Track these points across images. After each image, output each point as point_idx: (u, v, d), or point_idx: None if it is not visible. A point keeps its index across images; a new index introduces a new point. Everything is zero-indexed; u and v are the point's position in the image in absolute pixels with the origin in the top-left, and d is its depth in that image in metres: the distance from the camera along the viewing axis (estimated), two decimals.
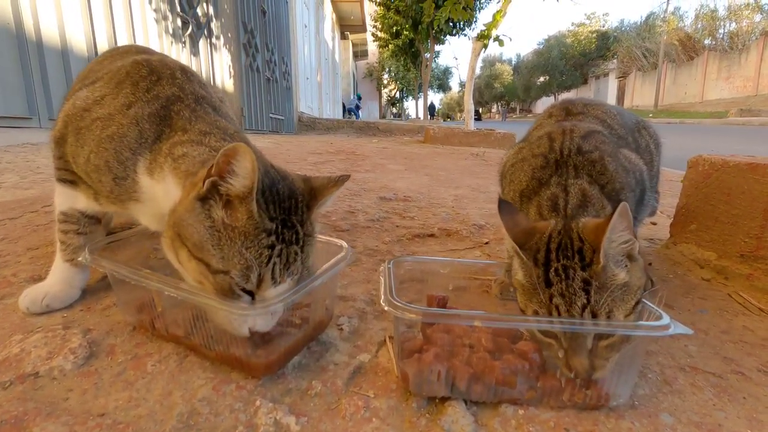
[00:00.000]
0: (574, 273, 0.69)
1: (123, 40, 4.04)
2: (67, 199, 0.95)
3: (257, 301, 0.69)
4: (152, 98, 0.85)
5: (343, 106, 26.27)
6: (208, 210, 0.68)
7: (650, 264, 1.43)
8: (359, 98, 30.73)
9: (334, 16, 19.74)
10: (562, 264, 0.70)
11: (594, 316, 0.67)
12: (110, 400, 0.67)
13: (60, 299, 0.93)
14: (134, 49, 1.12)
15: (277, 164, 0.81)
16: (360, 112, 28.74)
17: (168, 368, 0.75)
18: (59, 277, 0.95)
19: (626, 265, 0.70)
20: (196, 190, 0.69)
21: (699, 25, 29.10)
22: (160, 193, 0.80)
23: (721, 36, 27.16)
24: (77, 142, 0.87)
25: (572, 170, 0.90)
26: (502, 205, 0.81)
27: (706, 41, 28.15)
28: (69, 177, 0.93)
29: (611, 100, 36.75)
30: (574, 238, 0.72)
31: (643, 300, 0.75)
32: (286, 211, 0.72)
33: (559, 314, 0.68)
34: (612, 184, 0.89)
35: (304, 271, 0.74)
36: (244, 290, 0.68)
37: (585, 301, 0.67)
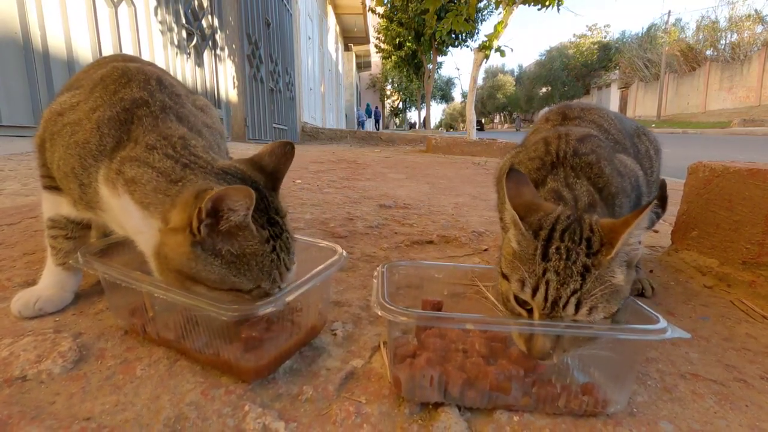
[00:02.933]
0: (577, 256, 0.66)
1: (128, 51, 4.09)
2: (52, 206, 0.94)
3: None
4: (117, 101, 0.83)
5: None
6: (211, 250, 0.69)
7: (651, 271, 1.42)
8: (375, 108, 31.08)
9: (337, 28, 19.99)
10: (566, 245, 0.68)
11: (578, 304, 0.65)
12: (97, 404, 0.66)
13: (53, 303, 0.92)
14: (120, 58, 1.11)
15: (228, 164, 0.80)
16: (368, 121, 29.03)
17: (157, 372, 0.74)
18: (51, 281, 0.94)
19: (625, 269, 0.69)
20: (186, 237, 0.68)
21: (700, 36, 29.27)
22: (116, 208, 0.79)
23: (722, 47, 27.29)
24: (51, 148, 0.86)
25: (570, 171, 0.89)
26: (512, 172, 0.78)
27: (708, 52, 28.29)
28: (53, 183, 0.92)
29: (614, 110, 36.78)
30: (584, 227, 0.70)
31: (641, 305, 0.74)
32: (264, 211, 0.75)
33: (547, 290, 0.66)
34: (608, 188, 0.88)
35: (294, 242, 0.81)
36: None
37: (578, 286, 0.65)
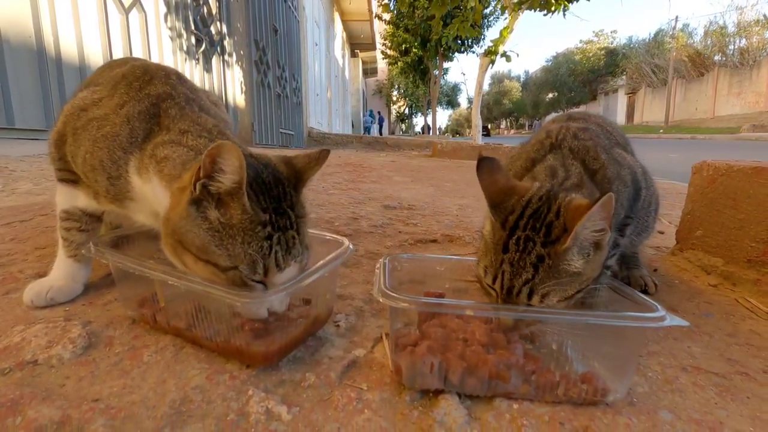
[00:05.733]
0: (532, 246, 0.70)
1: (139, 56, 4.17)
2: (68, 198, 0.97)
3: (269, 287, 0.72)
4: (144, 97, 0.87)
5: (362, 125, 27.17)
6: (203, 212, 0.69)
7: (655, 270, 1.41)
8: (378, 113, 31.68)
9: (344, 34, 20.17)
10: (525, 234, 0.71)
11: (530, 293, 0.70)
12: (105, 387, 0.68)
13: (64, 293, 0.95)
14: (132, 60, 1.15)
15: (258, 152, 0.83)
16: (373, 126, 29.50)
17: (164, 359, 0.76)
18: (63, 272, 0.97)
19: (588, 254, 0.71)
20: (187, 195, 0.70)
21: (708, 42, 29.14)
22: (149, 194, 0.82)
23: (731, 52, 27.14)
24: (75, 142, 0.89)
25: (568, 152, 0.91)
26: (482, 161, 0.81)
27: (716, 57, 28.13)
28: (70, 177, 0.95)
29: (621, 115, 36.73)
30: (552, 210, 0.72)
31: (640, 295, 0.75)
32: (276, 199, 0.74)
33: (503, 279, 0.71)
34: (603, 171, 0.90)
35: (305, 252, 0.77)
36: (253, 281, 0.71)
37: (530, 276, 0.69)
